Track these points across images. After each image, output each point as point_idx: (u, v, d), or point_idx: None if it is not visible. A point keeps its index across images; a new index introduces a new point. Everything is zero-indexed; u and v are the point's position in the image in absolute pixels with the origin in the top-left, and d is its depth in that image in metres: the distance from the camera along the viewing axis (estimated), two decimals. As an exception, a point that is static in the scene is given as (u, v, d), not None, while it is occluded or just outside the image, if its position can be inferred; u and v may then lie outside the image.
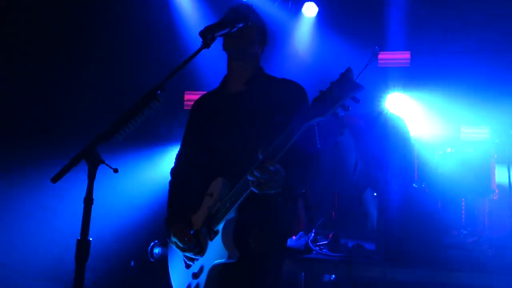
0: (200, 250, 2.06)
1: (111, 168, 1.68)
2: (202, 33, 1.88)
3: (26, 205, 4.80)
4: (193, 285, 2.08)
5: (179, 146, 2.42)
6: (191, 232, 2.09)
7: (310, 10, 6.92)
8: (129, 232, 4.81)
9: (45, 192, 4.47)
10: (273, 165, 1.74)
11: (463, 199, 5.80)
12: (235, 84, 2.25)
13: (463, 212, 5.79)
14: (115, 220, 4.78)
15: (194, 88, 5.77)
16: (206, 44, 1.86)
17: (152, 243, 4.53)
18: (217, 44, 2.24)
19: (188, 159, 2.34)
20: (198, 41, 1.87)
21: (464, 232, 4.88)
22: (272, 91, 2.17)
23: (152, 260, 4.48)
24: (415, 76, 6.94)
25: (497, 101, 5.39)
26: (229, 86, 2.28)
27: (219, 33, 1.94)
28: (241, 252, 1.95)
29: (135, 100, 1.69)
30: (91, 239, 1.64)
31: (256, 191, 1.80)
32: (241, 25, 2.05)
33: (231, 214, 1.94)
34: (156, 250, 4.56)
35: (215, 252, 1.99)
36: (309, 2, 6.88)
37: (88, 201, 1.63)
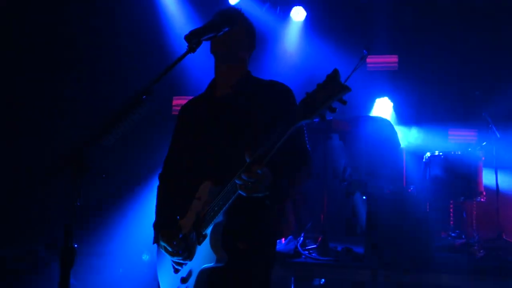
0: (189, 254, 2.04)
1: (99, 175, 1.66)
2: (187, 37, 1.87)
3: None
4: (182, 289, 2.07)
5: (167, 151, 2.42)
6: (180, 236, 2.08)
7: (298, 15, 6.95)
8: (117, 238, 4.77)
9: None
10: (261, 168, 1.73)
11: (451, 201, 5.85)
12: (222, 88, 2.24)
13: (452, 214, 5.83)
14: (103, 225, 4.74)
15: (182, 93, 5.77)
16: (191, 49, 1.85)
17: (142, 249, 4.51)
18: (206, 48, 2.24)
19: (175, 163, 2.33)
20: (185, 45, 1.87)
21: (453, 234, 4.91)
22: (259, 94, 2.16)
23: (141, 265, 4.46)
24: (403, 79, 6.99)
25: (484, 104, 5.43)
26: (216, 90, 2.27)
27: (205, 37, 1.93)
28: (230, 256, 1.95)
29: (120, 106, 1.68)
30: (76, 245, 1.62)
31: (244, 194, 1.79)
32: (227, 29, 2.03)
33: (219, 218, 1.93)
34: (145, 257, 4.54)
35: (204, 256, 1.98)
36: (298, 7, 6.91)
37: (73, 208, 1.61)
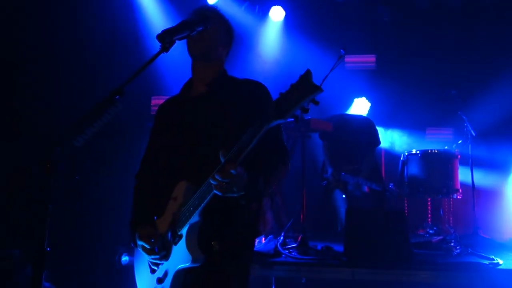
0: (166, 254, 2.03)
1: (71, 176, 1.63)
2: (159, 37, 1.85)
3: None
4: (158, 290, 2.06)
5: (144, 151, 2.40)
6: (157, 234, 2.07)
7: (277, 14, 6.96)
8: (95, 238, 4.70)
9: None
10: (234, 168, 1.72)
11: (428, 199, 5.94)
12: (197, 87, 2.23)
13: (429, 212, 5.93)
14: (78, 225, 4.67)
15: (161, 93, 5.72)
16: (164, 48, 1.83)
17: (120, 251, 4.45)
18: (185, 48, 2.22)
19: (152, 163, 2.31)
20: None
21: (430, 231, 4.98)
22: (234, 92, 2.15)
23: (119, 268, 4.40)
24: (380, 79, 7.06)
25: (460, 103, 5.52)
26: (192, 89, 2.27)
27: (178, 37, 1.91)
28: (206, 256, 1.94)
29: (93, 105, 1.65)
30: (48, 249, 1.59)
31: (219, 194, 1.79)
32: (200, 28, 2.02)
33: (194, 218, 1.92)
34: (124, 258, 4.48)
35: (180, 257, 1.96)
36: (276, 6, 6.92)
37: (45, 210, 1.58)
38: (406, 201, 6.30)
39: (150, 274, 2.14)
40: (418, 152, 5.04)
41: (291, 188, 5.62)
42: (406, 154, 5.14)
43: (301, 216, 4.32)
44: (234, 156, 1.73)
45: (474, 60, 6.95)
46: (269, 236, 4.81)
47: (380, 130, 6.66)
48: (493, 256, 4.01)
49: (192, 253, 1.91)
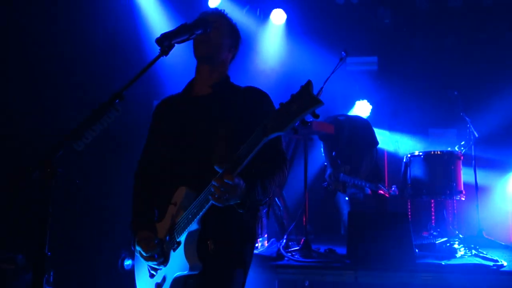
0: (164, 260, 2.03)
1: (71, 180, 1.64)
2: (158, 41, 1.85)
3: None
4: (157, 295, 2.05)
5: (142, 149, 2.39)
6: (156, 241, 2.05)
7: (278, 17, 6.96)
8: (96, 242, 4.70)
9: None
10: (232, 179, 1.72)
11: (432, 200, 5.91)
12: (201, 88, 2.22)
13: (433, 213, 5.90)
14: (80, 229, 4.66)
15: (162, 96, 5.71)
16: (163, 52, 1.83)
17: (123, 255, 4.44)
18: (188, 51, 2.22)
19: (151, 162, 2.28)
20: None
21: (434, 233, 4.96)
22: (237, 99, 2.15)
23: (122, 272, 4.39)
24: (382, 80, 7.06)
25: (463, 104, 5.50)
26: (195, 89, 2.26)
27: (177, 40, 1.91)
28: (204, 262, 1.93)
29: (93, 109, 1.65)
30: (49, 253, 1.59)
31: (217, 204, 1.78)
32: (199, 32, 2.02)
33: (193, 226, 1.91)
34: (128, 262, 4.47)
35: (178, 264, 1.95)
36: (277, 9, 6.92)
37: (45, 214, 1.58)
38: (409, 203, 6.28)
39: (149, 278, 2.13)
40: (421, 153, 5.02)
41: (294, 191, 5.61)
42: (409, 155, 5.12)
43: (304, 219, 4.31)
44: (232, 167, 1.72)
45: (476, 60, 6.94)
46: (272, 239, 4.80)
47: (384, 133, 6.67)
48: (497, 258, 3.99)
49: (190, 262, 1.90)
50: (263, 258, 3.96)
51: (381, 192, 4.83)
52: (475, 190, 5.31)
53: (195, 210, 1.89)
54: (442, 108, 6.56)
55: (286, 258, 3.96)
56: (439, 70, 6.94)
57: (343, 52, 4.43)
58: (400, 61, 7.27)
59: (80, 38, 5.05)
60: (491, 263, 3.86)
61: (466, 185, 5.04)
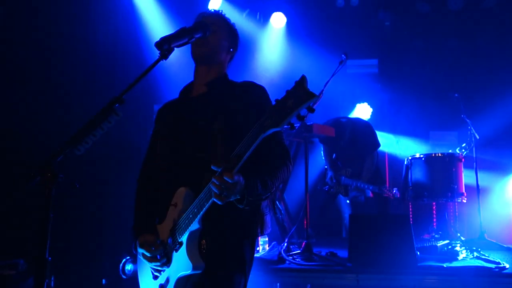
0: (167, 261, 2.03)
1: (71, 184, 1.64)
2: (158, 45, 1.86)
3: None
4: (161, 296, 2.06)
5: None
6: (158, 242, 2.07)
7: (278, 21, 6.97)
8: (99, 246, 4.69)
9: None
10: (232, 177, 1.72)
11: (433, 203, 5.90)
12: (198, 88, 2.24)
13: (434, 216, 5.89)
14: (82, 233, 4.65)
15: (163, 100, 5.71)
16: (163, 55, 1.84)
17: (124, 260, 4.44)
18: (188, 55, 2.22)
19: (153, 166, 2.30)
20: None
21: (436, 235, 4.95)
22: (234, 93, 2.16)
23: (125, 277, 4.38)
24: (383, 82, 7.07)
25: (464, 106, 5.51)
26: (193, 90, 2.27)
27: (176, 44, 1.92)
28: (206, 262, 1.94)
29: (94, 114, 1.66)
30: (50, 258, 1.59)
31: (217, 201, 1.79)
32: (199, 35, 2.03)
33: (194, 225, 1.92)
34: (129, 267, 4.46)
35: (180, 264, 1.96)
36: (277, 13, 6.93)
37: (46, 219, 1.58)
38: (410, 206, 6.27)
39: (152, 280, 2.14)
40: (422, 156, 5.02)
41: (295, 194, 5.61)
42: (410, 158, 5.12)
43: (305, 222, 4.31)
44: (231, 165, 1.72)
45: (476, 63, 6.95)
46: (273, 243, 4.79)
47: (385, 135, 6.66)
48: (499, 260, 3.98)
49: (192, 261, 1.91)
50: (264, 262, 3.95)
51: (386, 195, 4.83)
52: (477, 192, 5.30)
53: (195, 210, 1.90)
54: (443, 111, 6.57)
55: (287, 262, 3.95)
56: (439, 72, 6.95)
57: (343, 55, 4.43)
58: (400, 64, 7.28)
59: (81, 42, 5.06)
60: (493, 266, 3.85)
61: (467, 187, 5.03)
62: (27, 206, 3.49)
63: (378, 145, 5.41)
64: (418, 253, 3.94)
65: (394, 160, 6.64)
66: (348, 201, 5.37)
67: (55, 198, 1.61)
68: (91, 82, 5.08)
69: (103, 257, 4.63)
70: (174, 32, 1.95)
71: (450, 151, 5.12)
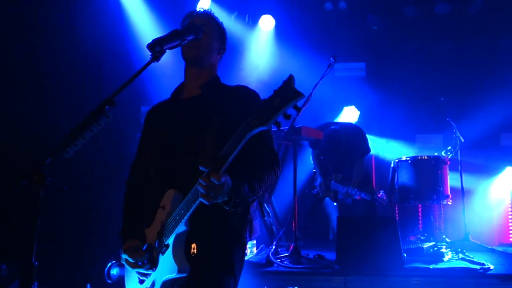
0: (152, 265, 2.01)
1: (59, 187, 1.62)
2: (150, 46, 1.84)
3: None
4: (147, 300, 2.04)
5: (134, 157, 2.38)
6: (144, 247, 2.04)
7: (267, 23, 6.99)
8: (84, 251, 4.64)
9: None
10: (218, 178, 1.71)
11: (419, 205, 5.97)
12: (190, 90, 2.22)
13: (420, 218, 5.95)
14: (67, 237, 4.60)
15: (151, 102, 5.67)
16: (155, 57, 1.83)
17: (110, 264, 4.39)
18: (178, 56, 2.21)
19: (142, 169, 2.27)
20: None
21: (422, 237, 5.00)
22: (227, 97, 2.14)
23: (110, 282, 4.33)
24: (371, 85, 7.12)
25: (449, 110, 5.58)
26: (184, 92, 2.25)
27: (168, 46, 1.91)
28: (192, 265, 1.93)
29: (80, 115, 1.64)
30: (36, 263, 1.57)
31: (205, 203, 1.78)
32: (191, 37, 2.02)
33: (181, 227, 1.90)
34: (114, 271, 4.41)
35: (166, 267, 1.94)
36: (266, 15, 6.95)
37: (34, 223, 1.56)
38: (397, 208, 6.32)
39: (139, 284, 2.12)
40: (408, 158, 5.07)
41: (283, 197, 5.61)
42: (397, 161, 5.16)
43: (293, 225, 4.31)
44: (218, 165, 1.72)
45: (462, 67, 7.05)
46: (261, 246, 4.79)
47: (372, 138, 6.70)
48: (483, 261, 4.04)
49: (178, 264, 1.90)
50: (252, 265, 3.95)
51: (378, 203, 4.86)
52: (461, 194, 5.37)
53: (182, 211, 1.88)
54: (429, 114, 6.65)
55: (275, 265, 3.96)
56: (426, 76, 7.03)
57: (331, 58, 4.44)
58: (387, 67, 7.35)
59: (68, 43, 5.01)
60: (478, 267, 3.91)
61: (452, 189, 5.09)
62: (12, 209, 3.43)
63: (369, 150, 5.43)
64: (405, 255, 3.98)
65: (381, 163, 6.69)
66: (335, 204, 5.39)
67: (43, 201, 1.59)
68: (78, 84, 5.03)
69: (88, 261, 4.57)
70: (166, 34, 1.94)
71: (436, 154, 5.17)
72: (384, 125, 6.87)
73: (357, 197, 4.98)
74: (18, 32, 4.58)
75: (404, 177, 5.03)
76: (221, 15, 6.63)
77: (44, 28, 4.78)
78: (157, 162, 2.17)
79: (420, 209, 5.99)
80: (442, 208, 5.50)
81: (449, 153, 5.32)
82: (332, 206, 5.48)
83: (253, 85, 2.22)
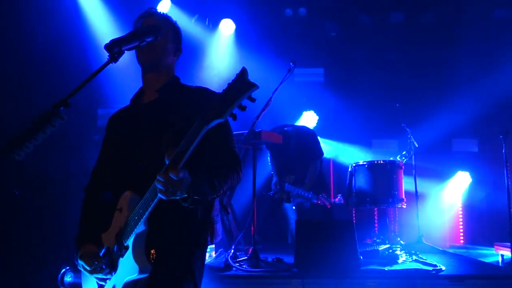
0: (112, 269, 1.97)
1: (10, 191, 1.55)
2: (108, 47, 1.80)
3: None
4: (106, 306, 1.99)
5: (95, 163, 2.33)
6: (102, 251, 2.00)
7: (227, 27, 6.99)
8: (36, 257, 4.47)
9: None
10: (177, 173, 1.70)
11: (375, 209, 6.11)
12: (149, 95, 2.19)
13: (376, 221, 6.10)
14: (18, 243, 4.42)
15: (108, 104, 5.56)
16: (113, 58, 1.79)
17: (63, 270, 4.25)
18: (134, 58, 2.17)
19: (101, 175, 2.24)
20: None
21: (377, 240, 5.11)
22: (185, 98, 2.13)
23: (63, 289, 4.19)
24: (329, 91, 7.24)
25: (404, 116, 5.74)
26: (143, 97, 2.22)
27: (127, 47, 1.87)
28: (153, 266, 1.90)
29: (35, 117, 1.58)
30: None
31: (163, 198, 1.76)
32: (150, 39, 1.99)
33: (140, 227, 1.88)
34: (68, 278, 4.28)
35: (127, 268, 1.91)
36: (226, 19, 6.95)
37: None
38: (354, 211, 6.45)
39: None
40: (365, 163, 5.17)
41: (242, 200, 5.61)
42: (354, 165, 5.27)
43: (252, 229, 4.31)
44: (176, 160, 1.70)
45: (416, 74, 7.29)
46: (220, 250, 4.77)
47: (330, 143, 6.82)
48: (436, 263, 4.17)
49: (139, 264, 1.87)
50: (211, 269, 3.92)
51: (321, 203, 4.92)
52: (415, 198, 5.55)
53: (141, 211, 1.86)
54: (384, 120, 6.82)
55: (234, 269, 3.94)
56: (382, 82, 7.23)
57: (291, 63, 4.49)
58: (345, 73, 7.51)
59: (20, 41, 4.84)
60: (430, 268, 4.03)
61: (407, 193, 5.24)
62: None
63: (321, 153, 5.51)
64: (361, 257, 4.05)
65: (339, 167, 6.81)
66: (294, 207, 5.44)
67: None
68: (31, 85, 4.86)
69: (41, 268, 4.41)
70: (125, 35, 1.90)
71: (391, 158, 5.30)
72: (342, 130, 7.00)
73: (315, 200, 5.04)
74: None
75: (361, 181, 5.13)
76: (181, 18, 6.63)
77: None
78: (113, 169, 2.13)
79: (376, 213, 6.14)
80: (397, 212, 5.65)
81: (403, 157, 5.48)
82: (291, 209, 5.52)
83: (213, 88, 2.21)
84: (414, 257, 4.48)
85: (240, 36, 7.12)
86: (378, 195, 5.01)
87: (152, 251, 1.92)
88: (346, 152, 7.06)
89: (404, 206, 5.06)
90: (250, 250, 4.19)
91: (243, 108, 1.65)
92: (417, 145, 5.60)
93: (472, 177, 6.99)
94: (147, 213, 1.84)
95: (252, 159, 4.41)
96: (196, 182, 1.82)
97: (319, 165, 5.48)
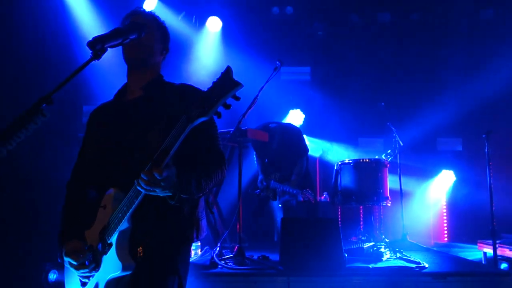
0: (96, 266, 1.96)
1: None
2: (90, 44, 1.78)
3: None
4: (90, 303, 1.97)
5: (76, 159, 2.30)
6: (85, 248, 1.98)
7: (214, 25, 6.98)
8: (19, 255, 4.43)
9: None
10: (160, 172, 1.70)
11: (361, 207, 6.16)
12: (133, 92, 2.18)
13: (361, 219, 6.14)
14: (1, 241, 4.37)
15: (93, 101, 5.52)
16: (96, 56, 1.77)
17: (47, 268, 4.21)
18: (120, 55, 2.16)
19: (84, 171, 2.21)
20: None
21: (362, 238, 5.15)
22: (170, 95, 2.12)
23: (47, 287, 4.16)
24: (315, 89, 7.27)
25: (389, 114, 5.80)
26: (128, 94, 2.21)
27: (110, 44, 1.85)
28: (137, 263, 1.89)
29: (18, 113, 1.56)
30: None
31: (146, 193, 1.77)
32: (134, 36, 1.98)
33: (124, 225, 1.87)
34: (52, 276, 4.24)
35: (110, 266, 1.90)
36: (213, 17, 6.94)
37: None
38: (339, 209, 6.49)
39: (81, 287, 2.05)
40: (350, 161, 5.20)
41: (228, 198, 5.62)
42: (340, 163, 5.29)
43: (238, 226, 4.32)
44: (160, 158, 1.71)
45: (401, 73, 7.36)
46: (205, 248, 4.77)
47: (316, 141, 6.85)
48: (419, 260, 4.22)
49: (122, 261, 1.87)
50: (196, 267, 3.91)
51: (307, 198, 4.93)
52: (400, 196, 5.61)
53: (125, 208, 1.86)
54: (370, 118, 6.88)
55: (219, 266, 3.94)
56: (368, 81, 7.28)
57: (277, 62, 4.50)
58: (332, 72, 7.54)
59: (5, 37, 4.77)
60: (414, 265, 4.08)
61: (391, 191, 5.29)
62: None
63: (307, 150, 5.52)
64: (346, 255, 4.08)
65: (326, 165, 6.85)
66: (280, 205, 5.45)
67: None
68: (15, 81, 4.80)
69: (24, 266, 4.37)
70: (108, 32, 1.89)
71: (376, 157, 5.34)
72: (328, 128, 7.04)
73: (301, 198, 5.05)
74: None
75: (346, 179, 5.16)
76: (168, 15, 6.59)
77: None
78: (100, 165, 2.11)
79: (361, 211, 6.19)
80: (382, 210, 5.70)
81: (389, 156, 5.52)
82: (277, 207, 5.54)
83: (199, 86, 2.20)
84: (398, 255, 4.53)
85: (227, 34, 7.12)
86: (364, 193, 5.04)
87: (139, 249, 1.92)
88: (333, 150, 7.10)
89: (389, 204, 5.11)
90: (236, 248, 4.19)
91: (227, 106, 1.66)
92: (402, 144, 5.65)
93: (456, 175, 7.08)
94: (131, 210, 1.84)
95: (238, 157, 4.42)
96: (184, 183, 1.83)
97: (306, 163, 5.50)
